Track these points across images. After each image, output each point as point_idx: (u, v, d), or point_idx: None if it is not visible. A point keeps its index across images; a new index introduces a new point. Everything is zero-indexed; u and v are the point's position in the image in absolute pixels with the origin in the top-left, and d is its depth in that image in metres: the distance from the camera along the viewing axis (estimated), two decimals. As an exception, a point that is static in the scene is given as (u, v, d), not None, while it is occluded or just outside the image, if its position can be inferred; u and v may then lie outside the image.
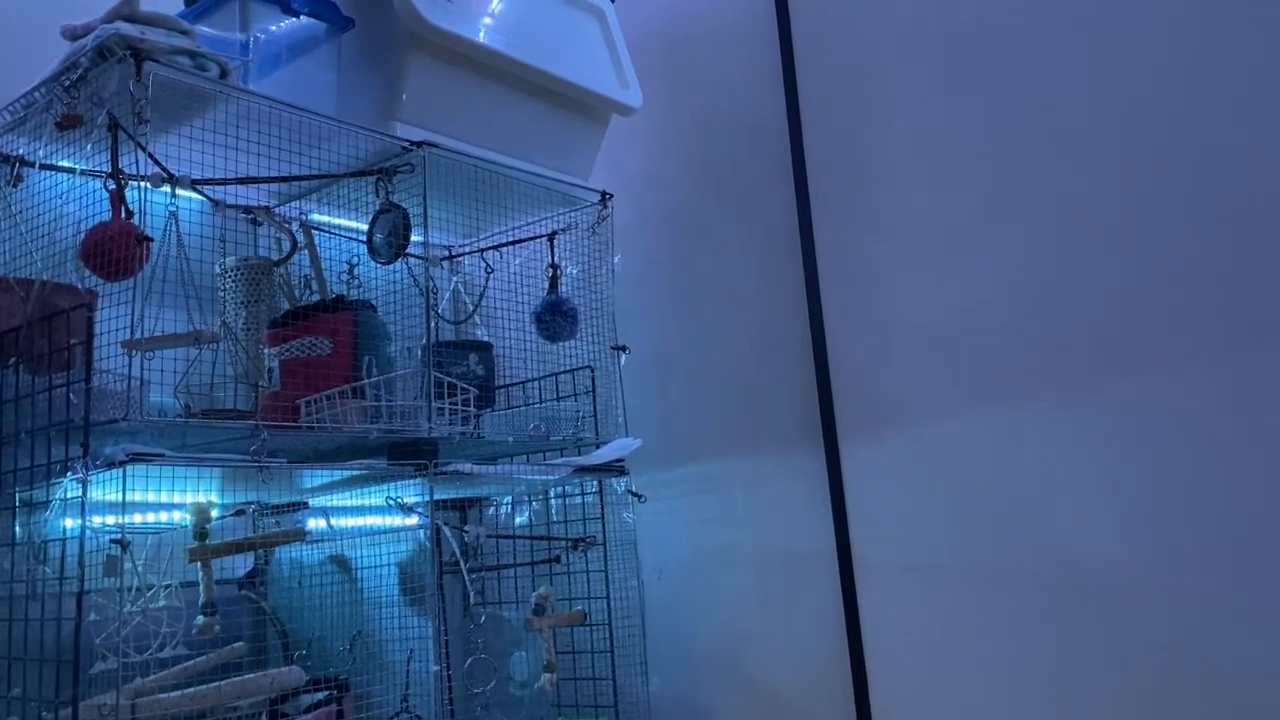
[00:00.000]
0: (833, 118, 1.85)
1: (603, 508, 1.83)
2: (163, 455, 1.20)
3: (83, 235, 1.25)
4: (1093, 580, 1.50)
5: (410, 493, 1.56)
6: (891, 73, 1.78)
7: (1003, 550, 1.59)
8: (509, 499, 1.93)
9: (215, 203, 1.50)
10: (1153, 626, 1.45)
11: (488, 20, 1.65)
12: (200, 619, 1.30)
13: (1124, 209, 1.52)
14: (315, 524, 1.63)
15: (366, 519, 1.70)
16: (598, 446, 1.79)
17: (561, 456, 1.80)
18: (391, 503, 1.56)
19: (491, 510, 1.94)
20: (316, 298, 1.58)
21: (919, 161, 1.73)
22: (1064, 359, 1.55)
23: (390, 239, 1.55)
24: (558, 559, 1.82)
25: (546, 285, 1.83)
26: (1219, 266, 1.43)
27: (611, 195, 1.88)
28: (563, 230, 1.86)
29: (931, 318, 1.69)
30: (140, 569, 1.27)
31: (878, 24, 1.80)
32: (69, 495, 1.20)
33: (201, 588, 1.31)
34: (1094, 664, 1.49)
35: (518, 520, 1.93)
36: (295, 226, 1.60)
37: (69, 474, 1.19)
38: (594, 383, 1.84)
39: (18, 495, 1.30)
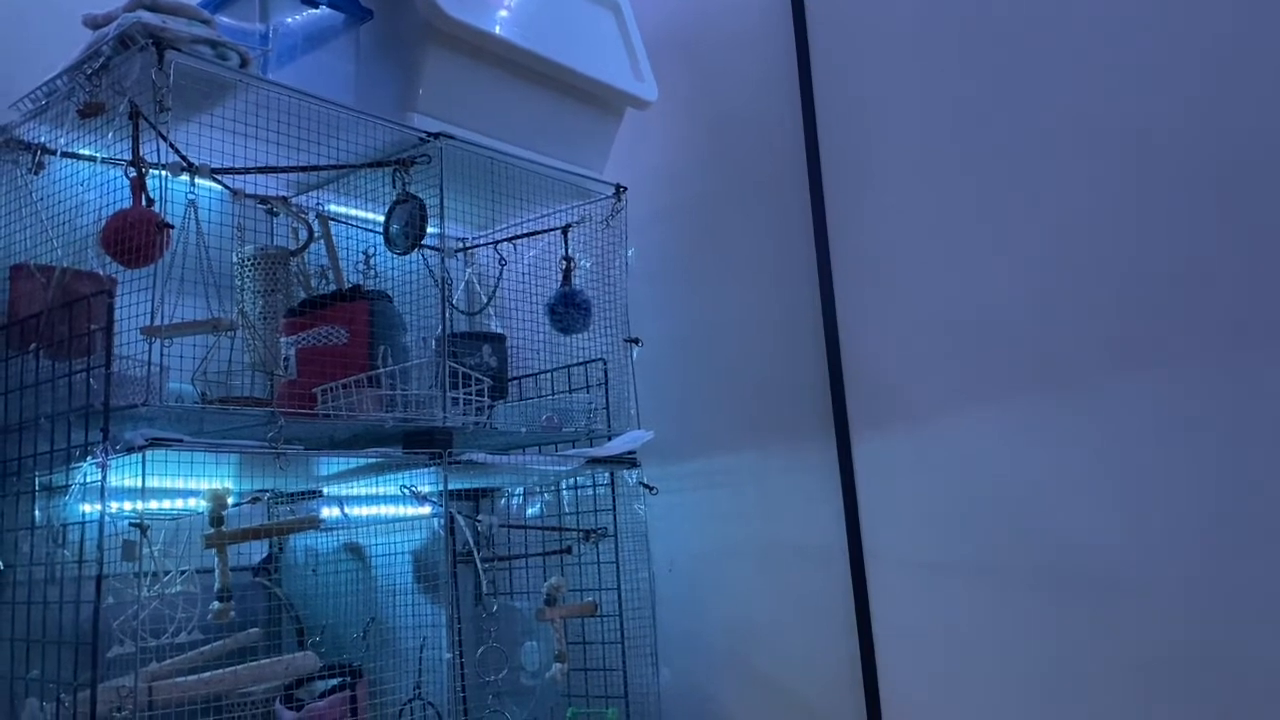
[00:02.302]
0: (847, 115, 1.85)
1: (614, 499, 1.83)
2: (182, 440, 1.21)
3: (103, 222, 1.26)
4: (1100, 575, 1.50)
5: (424, 482, 1.57)
6: (906, 71, 1.78)
7: (1012, 545, 1.59)
8: (521, 490, 1.94)
9: (233, 192, 1.51)
10: (1159, 622, 1.45)
11: (504, 13, 1.66)
12: (215, 605, 1.31)
13: (1134, 208, 1.52)
14: (330, 512, 1.64)
15: (381, 508, 1.71)
16: (610, 438, 1.80)
17: (574, 448, 1.80)
18: (406, 491, 1.56)
19: (504, 501, 1.95)
20: (333, 287, 1.59)
21: (932, 159, 1.73)
22: (1075, 355, 1.55)
23: (407, 230, 1.56)
24: (569, 550, 1.83)
25: (560, 278, 1.84)
26: (1224, 266, 1.43)
27: (626, 188, 1.88)
28: (577, 223, 1.87)
29: (943, 314, 1.69)
30: (157, 554, 1.28)
31: (892, 22, 1.80)
32: (88, 480, 1.21)
33: (217, 574, 1.32)
34: (1101, 658, 1.50)
35: (530, 511, 1.94)
36: (312, 217, 1.61)
37: (89, 458, 1.20)
38: (606, 375, 1.84)
39: (38, 479, 1.31)
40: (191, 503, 1.42)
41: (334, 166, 1.57)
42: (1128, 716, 1.47)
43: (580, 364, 1.85)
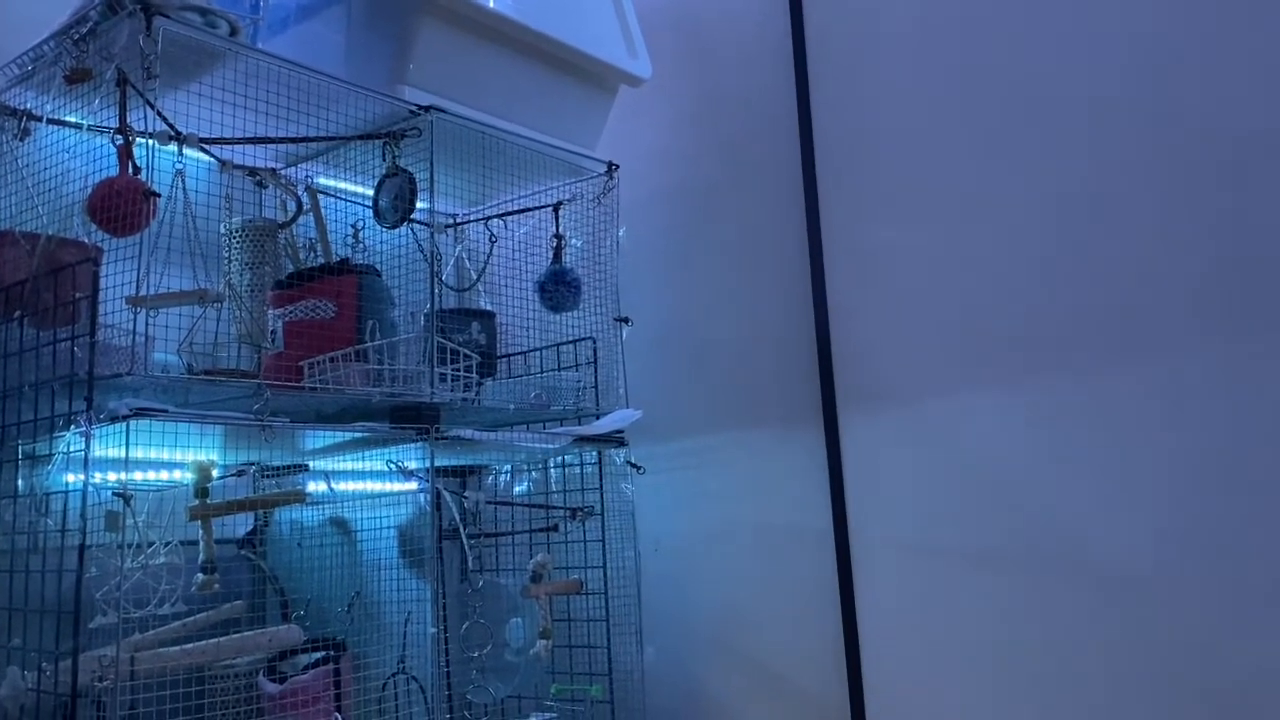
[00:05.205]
0: (841, 96, 1.84)
1: (601, 478, 1.83)
2: (166, 411, 1.20)
3: (89, 190, 1.25)
4: (1087, 560, 1.51)
5: (411, 457, 1.57)
6: (901, 52, 1.77)
7: (999, 529, 1.59)
8: (508, 467, 1.93)
9: (221, 162, 1.49)
10: (1146, 607, 1.46)
11: (498, -14, 1.64)
12: (200, 577, 1.31)
13: (1126, 193, 1.52)
14: (315, 486, 1.63)
15: (367, 483, 1.71)
16: (598, 417, 1.80)
17: (561, 426, 1.80)
18: (392, 467, 1.56)
19: (491, 478, 1.95)
20: (321, 261, 1.58)
21: (925, 141, 1.73)
22: (1064, 339, 1.56)
23: (396, 203, 1.55)
24: (555, 528, 1.83)
25: (550, 255, 1.83)
26: (1217, 250, 1.43)
27: (618, 166, 1.88)
28: (568, 201, 1.86)
29: (933, 296, 1.69)
30: (141, 525, 1.28)
31: (889, 3, 1.79)
32: (72, 449, 1.21)
33: (201, 546, 1.32)
34: (1087, 644, 1.50)
35: (517, 489, 1.94)
36: (301, 189, 1.60)
37: (72, 428, 1.20)
38: (595, 354, 1.84)
39: (21, 448, 1.30)
40: (176, 475, 1.41)
41: (324, 138, 1.55)
42: (1113, 701, 1.48)
43: (569, 342, 1.85)
